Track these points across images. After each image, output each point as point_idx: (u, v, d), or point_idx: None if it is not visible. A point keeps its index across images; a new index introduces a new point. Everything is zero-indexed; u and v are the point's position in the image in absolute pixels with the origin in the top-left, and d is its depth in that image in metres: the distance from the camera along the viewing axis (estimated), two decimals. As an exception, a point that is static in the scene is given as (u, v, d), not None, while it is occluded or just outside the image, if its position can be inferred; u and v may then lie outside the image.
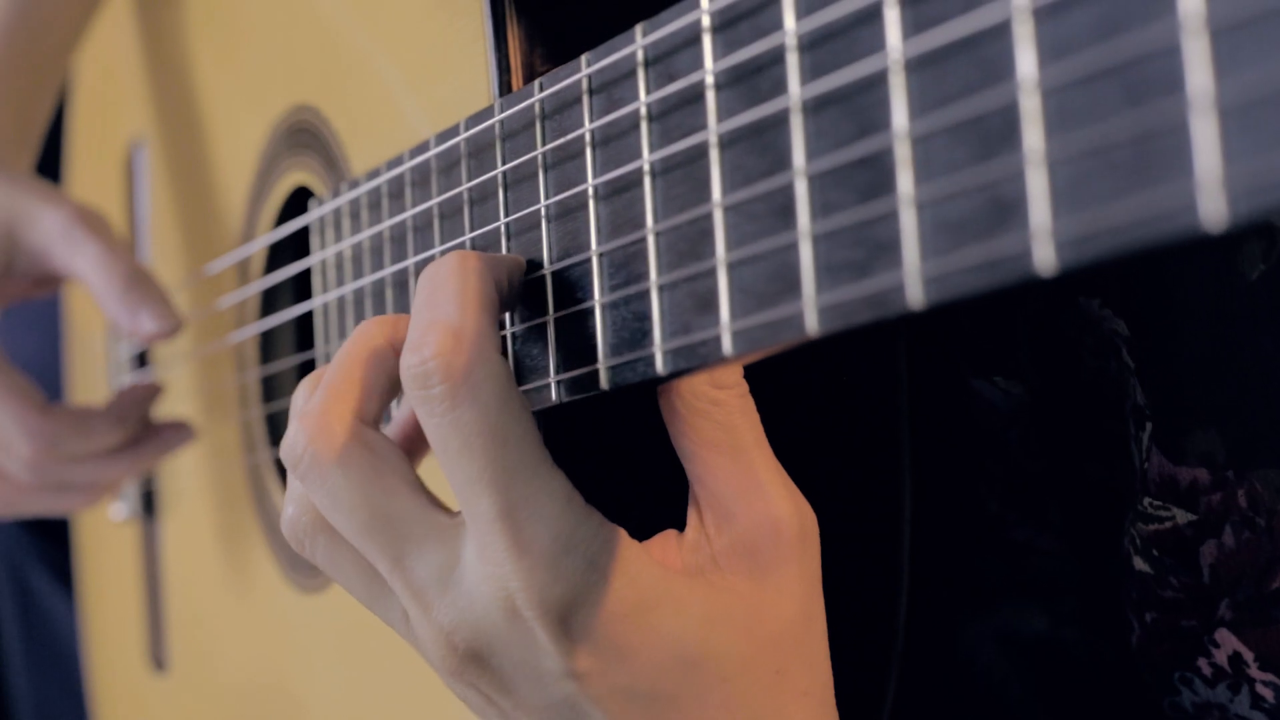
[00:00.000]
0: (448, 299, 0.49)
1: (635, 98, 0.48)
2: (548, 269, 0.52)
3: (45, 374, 1.21)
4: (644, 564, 0.50)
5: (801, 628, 0.51)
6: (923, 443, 0.64)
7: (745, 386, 0.52)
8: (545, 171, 0.52)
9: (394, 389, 0.54)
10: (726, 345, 0.44)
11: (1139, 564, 0.62)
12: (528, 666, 0.50)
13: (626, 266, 0.48)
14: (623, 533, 0.50)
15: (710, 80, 0.44)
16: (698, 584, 0.50)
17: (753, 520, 0.51)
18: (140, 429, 0.91)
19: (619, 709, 0.50)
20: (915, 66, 0.37)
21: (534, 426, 0.49)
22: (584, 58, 0.50)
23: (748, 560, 0.51)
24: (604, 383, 0.49)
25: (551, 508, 0.48)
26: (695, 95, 0.45)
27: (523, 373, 0.54)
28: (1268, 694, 0.59)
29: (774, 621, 0.51)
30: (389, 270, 0.64)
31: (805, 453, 0.55)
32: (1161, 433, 0.59)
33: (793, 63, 0.41)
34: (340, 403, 0.52)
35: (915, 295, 0.37)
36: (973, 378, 0.67)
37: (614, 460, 0.57)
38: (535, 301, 0.53)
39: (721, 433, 0.51)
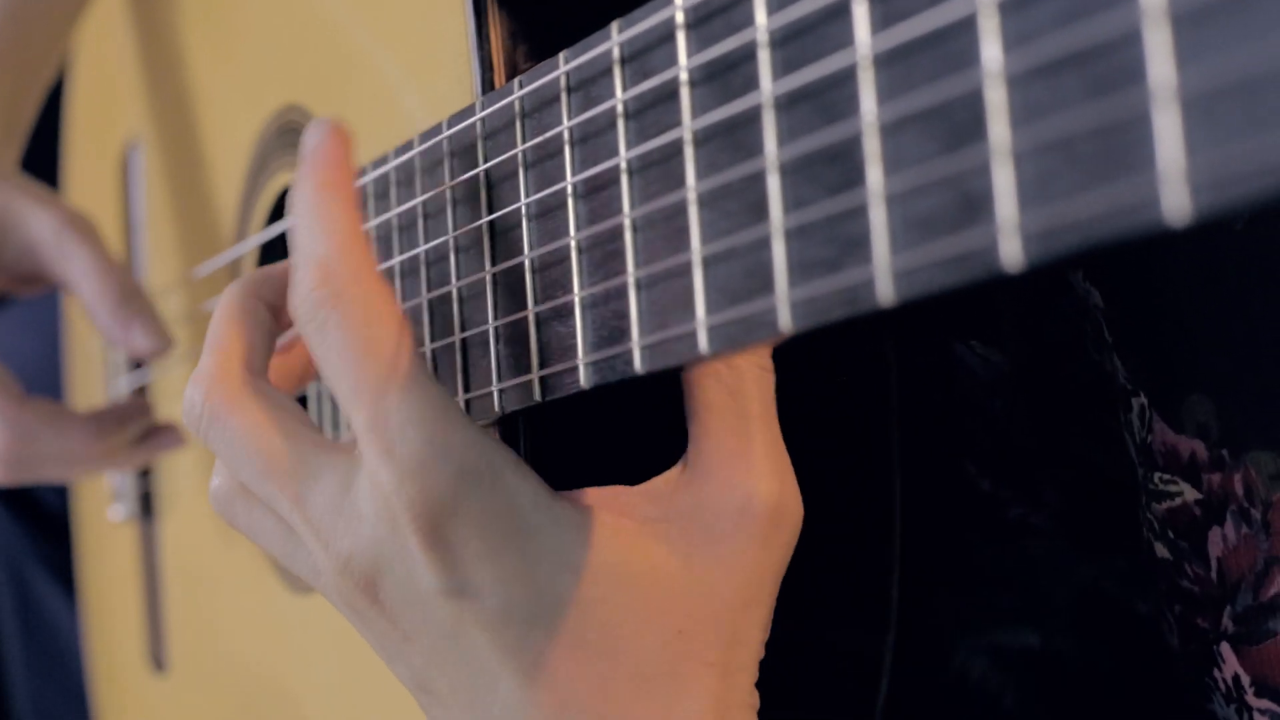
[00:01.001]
0: (313, 237, 0.51)
1: (612, 95, 0.48)
2: (529, 267, 0.52)
3: (45, 375, 1.21)
4: (526, 486, 0.49)
5: (733, 606, 0.50)
6: (908, 416, 0.63)
7: (769, 364, 0.52)
8: (526, 170, 0.52)
9: (270, 338, 0.58)
10: (702, 342, 0.44)
11: (1160, 550, 0.60)
12: (409, 586, 0.50)
13: (605, 264, 0.48)
14: (510, 452, 0.50)
15: (684, 77, 0.44)
16: (614, 527, 0.50)
17: (726, 486, 0.50)
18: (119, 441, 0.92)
19: (498, 629, 0.49)
20: (884, 61, 0.37)
21: (409, 344, 0.50)
22: (562, 55, 0.50)
23: (702, 522, 0.50)
24: (583, 380, 0.49)
25: (425, 414, 0.49)
26: (670, 92, 0.45)
27: (503, 370, 0.54)
28: None
29: (696, 587, 0.50)
30: (375, 269, 0.64)
31: (792, 440, 0.54)
32: (1157, 401, 0.58)
33: (764, 59, 0.41)
34: (227, 358, 0.55)
35: (885, 291, 0.37)
36: (951, 341, 0.65)
37: (608, 442, 0.57)
38: (516, 299, 0.53)
39: (726, 397, 0.51)
